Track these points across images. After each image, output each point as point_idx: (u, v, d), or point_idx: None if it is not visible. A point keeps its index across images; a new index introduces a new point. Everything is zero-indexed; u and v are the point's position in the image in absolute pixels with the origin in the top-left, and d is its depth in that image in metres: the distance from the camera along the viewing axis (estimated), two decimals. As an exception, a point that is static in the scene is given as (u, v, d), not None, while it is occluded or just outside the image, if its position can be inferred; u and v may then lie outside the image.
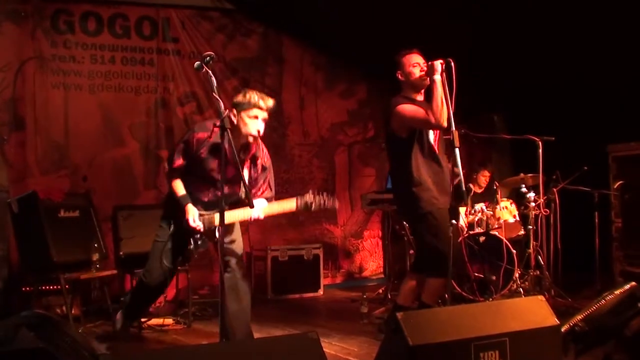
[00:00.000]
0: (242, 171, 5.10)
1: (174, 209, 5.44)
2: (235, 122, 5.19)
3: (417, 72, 5.62)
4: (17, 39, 8.24)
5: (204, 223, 5.32)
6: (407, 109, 5.55)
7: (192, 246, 5.42)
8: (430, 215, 5.56)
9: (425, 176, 5.59)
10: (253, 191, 5.40)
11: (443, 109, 5.21)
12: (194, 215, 5.30)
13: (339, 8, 8.27)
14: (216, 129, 4.74)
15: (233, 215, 5.27)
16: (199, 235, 5.38)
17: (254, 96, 5.20)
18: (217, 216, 5.06)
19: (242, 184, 5.07)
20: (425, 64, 5.51)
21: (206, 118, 8.96)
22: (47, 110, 8.37)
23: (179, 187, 5.42)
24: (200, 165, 5.32)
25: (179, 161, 5.39)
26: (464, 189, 4.95)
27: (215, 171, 5.25)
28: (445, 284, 5.81)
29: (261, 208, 5.26)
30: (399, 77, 5.75)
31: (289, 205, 5.32)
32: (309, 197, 5.31)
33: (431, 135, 5.68)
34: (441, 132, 5.69)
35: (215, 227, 5.25)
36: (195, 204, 5.37)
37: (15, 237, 6.75)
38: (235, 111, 5.21)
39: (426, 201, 5.57)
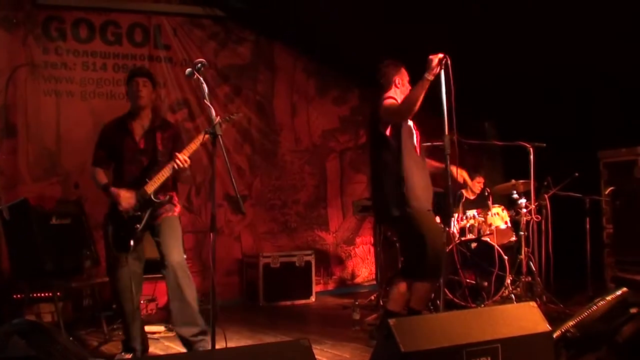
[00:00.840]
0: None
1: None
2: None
3: (407, 89, 5.77)
4: (8, 46, 8.23)
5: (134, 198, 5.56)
6: (388, 102, 5.70)
7: (138, 225, 5.56)
8: (417, 216, 5.59)
9: (415, 178, 5.63)
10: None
11: (412, 101, 5.34)
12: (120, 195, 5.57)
13: (331, 15, 8.28)
14: None
15: (162, 174, 5.50)
16: (139, 212, 5.55)
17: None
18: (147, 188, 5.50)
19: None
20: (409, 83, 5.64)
21: (198, 125, 8.99)
22: (38, 117, 8.36)
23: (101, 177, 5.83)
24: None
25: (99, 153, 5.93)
26: (452, 195, 4.98)
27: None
28: (432, 288, 5.83)
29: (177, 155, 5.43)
30: (396, 81, 5.84)
31: (199, 137, 5.44)
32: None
33: (414, 137, 5.73)
34: (420, 136, 5.76)
35: (150, 195, 5.50)
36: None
37: (7, 244, 6.72)
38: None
39: (413, 201, 5.60)
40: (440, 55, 5.22)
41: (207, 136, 5.08)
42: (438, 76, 5.21)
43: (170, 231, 5.63)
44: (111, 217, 5.66)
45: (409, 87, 5.76)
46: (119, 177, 5.76)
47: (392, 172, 5.66)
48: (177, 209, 5.82)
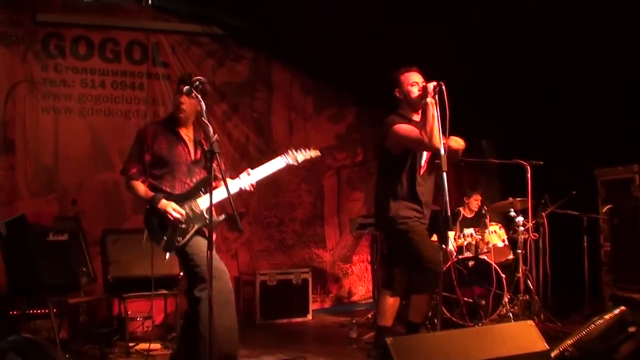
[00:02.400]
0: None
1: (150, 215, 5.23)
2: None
3: (415, 91, 5.65)
4: (8, 63, 8.26)
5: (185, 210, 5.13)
6: (403, 128, 5.59)
7: (181, 238, 5.08)
8: (412, 230, 5.60)
9: (413, 194, 5.64)
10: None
11: (435, 130, 5.22)
12: (172, 206, 5.11)
13: (328, 34, 8.32)
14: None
15: (223, 192, 4.94)
16: (184, 225, 5.10)
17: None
18: (200, 201, 5.12)
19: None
20: (425, 83, 5.53)
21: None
22: (37, 134, 8.37)
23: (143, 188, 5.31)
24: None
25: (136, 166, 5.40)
26: (449, 213, 4.97)
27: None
28: (429, 300, 5.83)
29: (250, 175, 5.21)
30: (397, 94, 5.77)
31: (276, 163, 5.31)
32: (292, 152, 5.38)
33: (424, 155, 5.70)
34: (432, 154, 5.71)
35: (202, 211, 5.10)
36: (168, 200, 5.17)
37: (4, 260, 6.69)
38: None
39: (408, 218, 5.61)
40: (435, 83, 5.23)
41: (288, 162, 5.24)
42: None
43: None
44: (151, 225, 5.21)
45: (412, 92, 5.70)
46: (168, 186, 5.26)
47: (393, 186, 5.67)
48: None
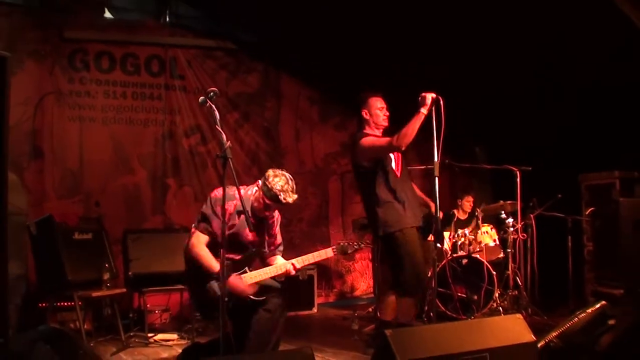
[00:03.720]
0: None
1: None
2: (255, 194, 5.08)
3: (381, 115, 5.79)
4: (37, 76, 8.30)
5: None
6: (367, 140, 5.69)
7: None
8: (399, 234, 5.59)
9: (395, 196, 5.64)
10: (272, 248, 5.27)
11: (408, 135, 5.29)
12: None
13: (334, 49, 8.34)
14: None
15: (265, 272, 4.98)
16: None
17: (276, 189, 4.88)
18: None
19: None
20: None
21: (209, 149, 9.02)
22: (63, 141, 8.41)
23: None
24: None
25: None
26: (439, 214, 5.00)
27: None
28: (414, 304, 5.82)
29: (295, 260, 5.03)
30: (364, 115, 5.84)
31: (326, 252, 5.12)
32: (343, 243, 5.25)
33: (393, 158, 5.73)
34: (403, 157, 5.79)
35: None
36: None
37: (33, 257, 6.72)
38: (260, 184, 5.00)
39: (394, 221, 5.60)
40: (433, 95, 5.23)
41: (345, 247, 5.13)
42: (430, 111, 5.23)
43: None
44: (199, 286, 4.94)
45: (386, 115, 5.77)
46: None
47: (372, 194, 5.69)
48: None
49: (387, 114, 5.81)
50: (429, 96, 5.25)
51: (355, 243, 5.28)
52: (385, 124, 5.80)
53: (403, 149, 5.43)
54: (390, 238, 5.62)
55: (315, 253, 5.09)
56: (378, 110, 5.80)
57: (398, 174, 5.71)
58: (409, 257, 5.53)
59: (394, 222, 5.59)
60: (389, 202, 5.62)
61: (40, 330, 3.21)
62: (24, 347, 2.84)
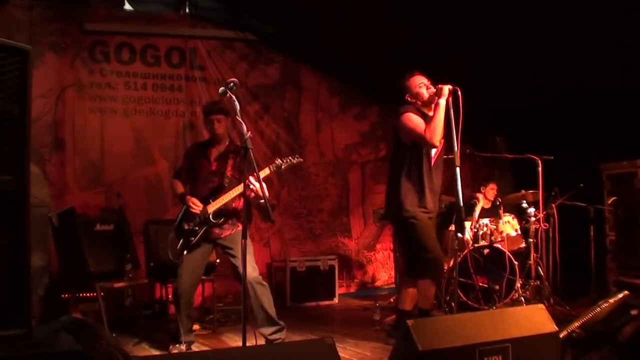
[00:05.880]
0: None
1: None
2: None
3: (424, 92, 5.63)
4: (58, 68, 8.36)
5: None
6: (410, 119, 5.58)
7: (193, 238, 5.77)
8: (418, 220, 5.56)
9: (421, 182, 5.60)
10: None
11: (438, 130, 5.28)
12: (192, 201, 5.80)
13: (353, 39, 8.32)
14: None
15: (224, 197, 5.71)
16: (196, 227, 5.77)
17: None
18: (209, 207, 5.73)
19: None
20: (431, 84, 5.53)
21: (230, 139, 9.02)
22: (84, 133, 8.47)
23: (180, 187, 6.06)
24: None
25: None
26: (461, 204, 4.97)
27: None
28: (433, 285, 5.77)
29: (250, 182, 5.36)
30: (409, 99, 5.73)
31: (264, 172, 5.56)
32: (277, 161, 5.65)
33: (433, 150, 5.66)
34: (444, 146, 5.69)
35: (209, 214, 5.71)
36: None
37: (55, 248, 6.78)
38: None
39: (411, 206, 5.57)
40: (450, 87, 5.20)
41: (280, 164, 5.59)
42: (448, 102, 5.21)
43: (237, 247, 5.60)
44: (176, 229, 5.95)
45: (422, 93, 5.69)
46: (193, 194, 5.88)
47: (399, 175, 5.66)
48: (239, 227, 5.76)
49: (430, 87, 5.60)
50: (446, 87, 5.23)
51: (290, 158, 5.71)
52: (434, 99, 5.48)
53: (437, 145, 5.43)
54: (407, 220, 5.59)
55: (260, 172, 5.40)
56: (419, 88, 5.66)
57: (433, 162, 5.67)
58: (426, 240, 5.50)
59: (414, 206, 5.57)
60: (413, 187, 5.59)
61: (62, 320, 3.22)
62: (46, 337, 2.86)
